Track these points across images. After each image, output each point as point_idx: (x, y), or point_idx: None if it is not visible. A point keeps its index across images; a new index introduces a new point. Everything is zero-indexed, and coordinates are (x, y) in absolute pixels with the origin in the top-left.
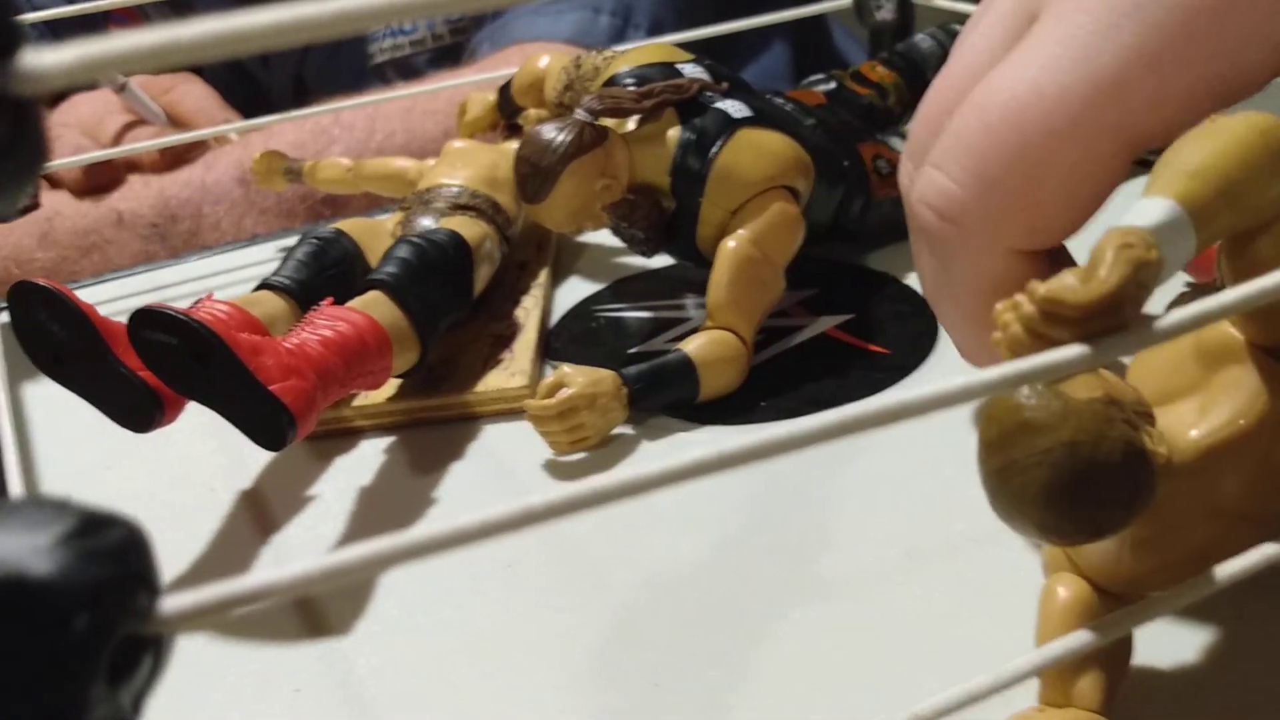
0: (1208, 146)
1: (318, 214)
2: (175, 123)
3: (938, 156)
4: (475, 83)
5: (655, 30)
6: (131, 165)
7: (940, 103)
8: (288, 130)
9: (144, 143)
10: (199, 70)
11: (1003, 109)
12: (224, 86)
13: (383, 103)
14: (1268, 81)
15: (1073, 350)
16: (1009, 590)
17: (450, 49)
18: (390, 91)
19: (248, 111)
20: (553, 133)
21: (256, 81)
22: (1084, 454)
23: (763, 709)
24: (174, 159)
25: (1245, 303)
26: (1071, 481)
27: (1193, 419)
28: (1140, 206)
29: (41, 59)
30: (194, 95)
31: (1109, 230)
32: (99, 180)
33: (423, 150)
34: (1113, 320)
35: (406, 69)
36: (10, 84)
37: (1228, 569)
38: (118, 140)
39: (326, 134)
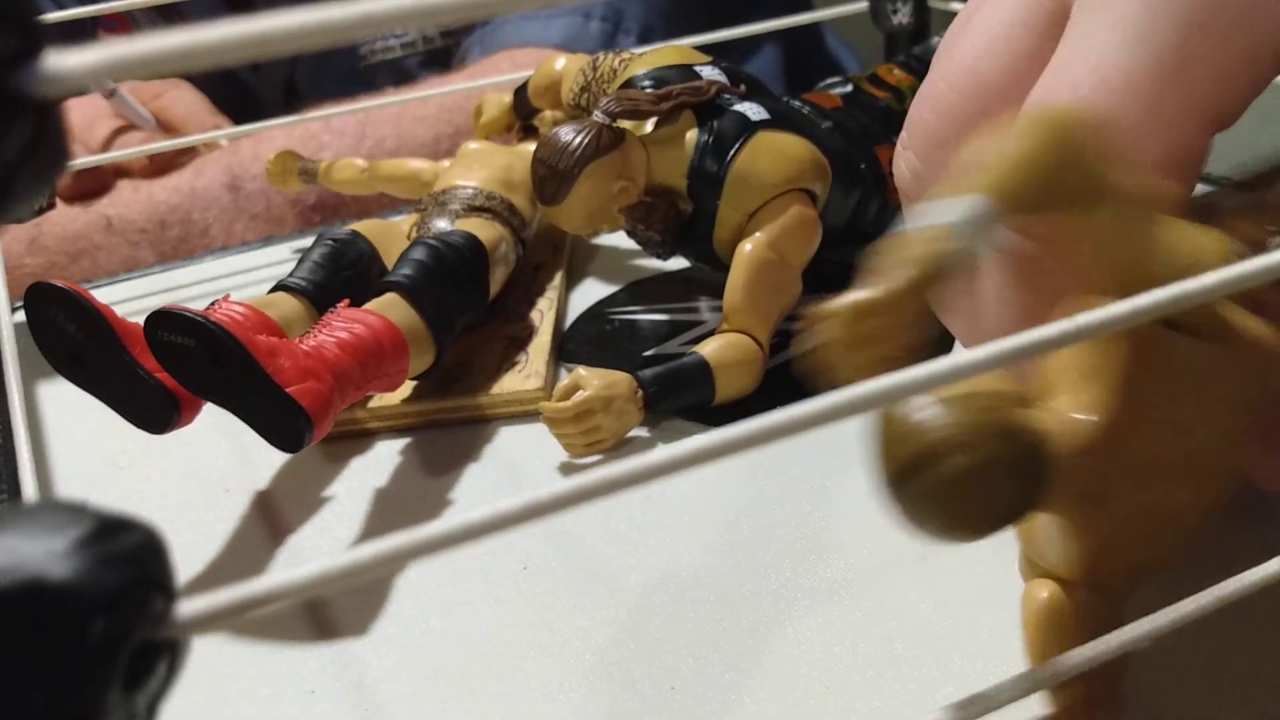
0: (1003, 140)
1: (307, 220)
2: (165, 128)
3: None
4: (465, 89)
5: (645, 36)
6: (121, 171)
7: (956, 86)
8: (278, 136)
9: (133, 148)
10: (189, 76)
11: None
12: (214, 92)
13: (373, 108)
14: None
15: (955, 361)
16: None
17: (440, 52)
18: (381, 97)
19: (238, 117)
20: (570, 135)
21: (247, 87)
22: (964, 447)
23: (778, 712)
24: (163, 165)
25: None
26: (957, 477)
27: (1088, 396)
28: (940, 206)
29: (64, 61)
30: (184, 101)
31: (904, 231)
32: (88, 186)
33: (413, 155)
34: (923, 294)
35: (397, 72)
36: (33, 86)
37: (1226, 588)
38: (107, 146)
39: (316, 140)
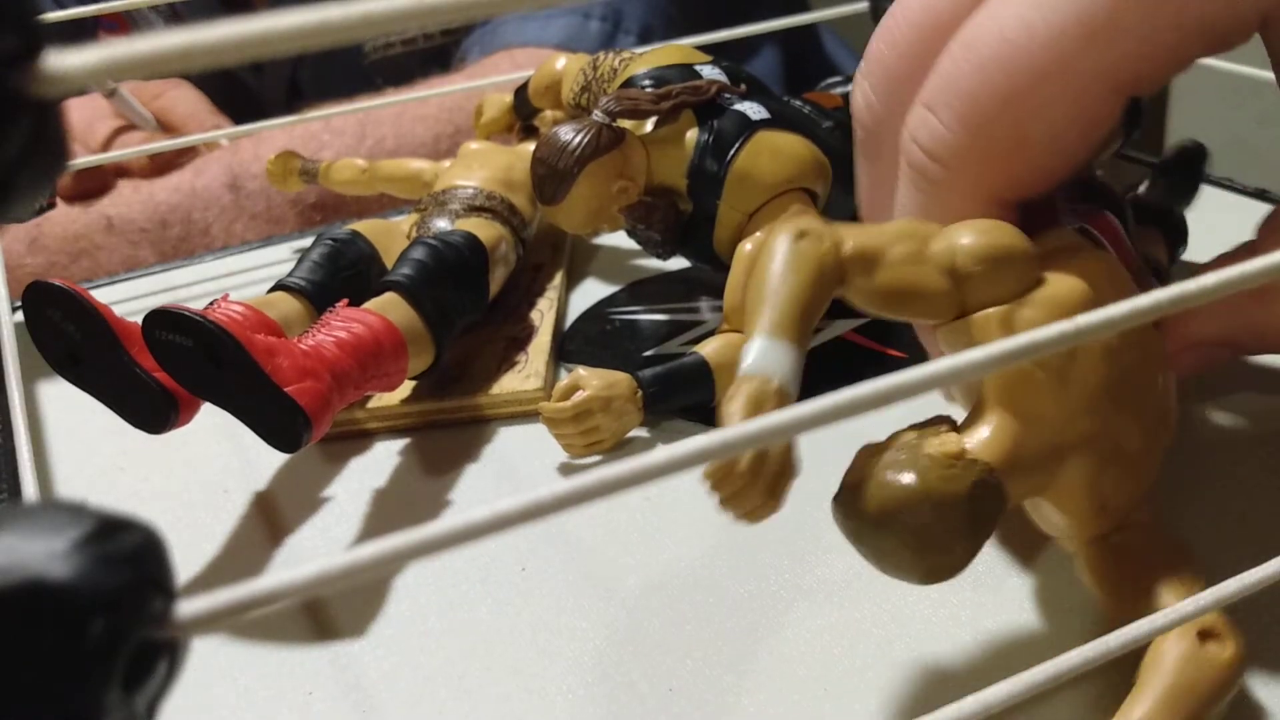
0: (754, 283)
1: (308, 219)
2: (165, 128)
3: (929, 96)
4: (465, 89)
5: (645, 36)
6: (121, 171)
7: (912, 22)
8: (278, 136)
9: (133, 148)
10: (189, 76)
11: (994, 49)
12: (214, 92)
13: (373, 109)
14: (1257, 26)
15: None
16: (1026, 595)
17: (440, 50)
18: (381, 97)
19: (239, 117)
20: (569, 134)
21: (248, 87)
22: (921, 498)
23: (777, 714)
24: (164, 164)
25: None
26: (923, 526)
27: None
28: (741, 355)
29: (64, 61)
30: (185, 101)
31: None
32: (88, 186)
33: (412, 155)
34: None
35: (398, 70)
36: (33, 86)
37: (1226, 588)
38: (107, 146)
39: (317, 139)
